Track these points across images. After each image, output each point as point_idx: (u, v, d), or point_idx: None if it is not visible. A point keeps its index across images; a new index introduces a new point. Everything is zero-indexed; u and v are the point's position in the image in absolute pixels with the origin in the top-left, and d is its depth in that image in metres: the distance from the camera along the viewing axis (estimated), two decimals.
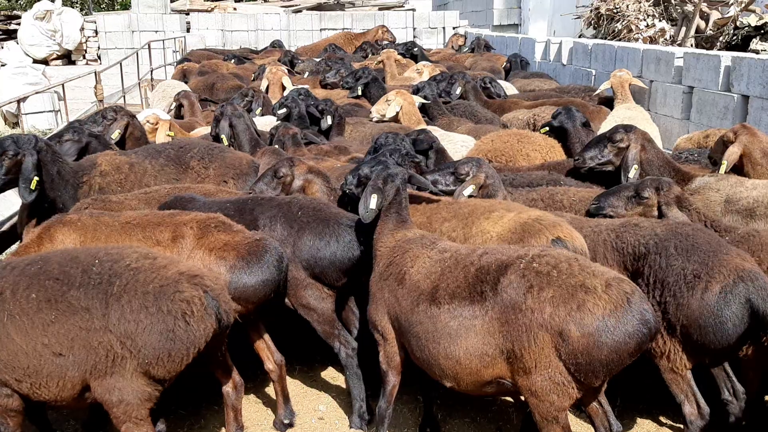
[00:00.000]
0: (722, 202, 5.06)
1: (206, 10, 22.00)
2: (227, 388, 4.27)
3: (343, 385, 5.37)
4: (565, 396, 3.48)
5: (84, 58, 21.17)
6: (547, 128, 6.98)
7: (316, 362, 5.68)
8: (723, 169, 5.37)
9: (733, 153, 5.42)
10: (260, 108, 9.42)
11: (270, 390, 5.24)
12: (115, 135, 7.14)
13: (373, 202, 4.28)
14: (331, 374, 5.59)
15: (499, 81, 10.84)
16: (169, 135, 8.22)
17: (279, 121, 7.99)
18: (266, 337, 4.73)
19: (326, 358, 5.62)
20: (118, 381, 3.58)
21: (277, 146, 7.05)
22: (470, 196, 4.91)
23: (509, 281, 3.53)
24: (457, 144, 7.04)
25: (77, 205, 5.49)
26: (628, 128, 5.97)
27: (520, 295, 3.47)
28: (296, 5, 22.93)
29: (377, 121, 8.46)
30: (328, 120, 8.17)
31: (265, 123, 8.53)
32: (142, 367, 3.57)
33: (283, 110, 8.18)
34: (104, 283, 3.60)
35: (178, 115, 9.89)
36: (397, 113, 8.36)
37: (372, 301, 4.22)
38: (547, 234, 4.17)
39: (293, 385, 5.34)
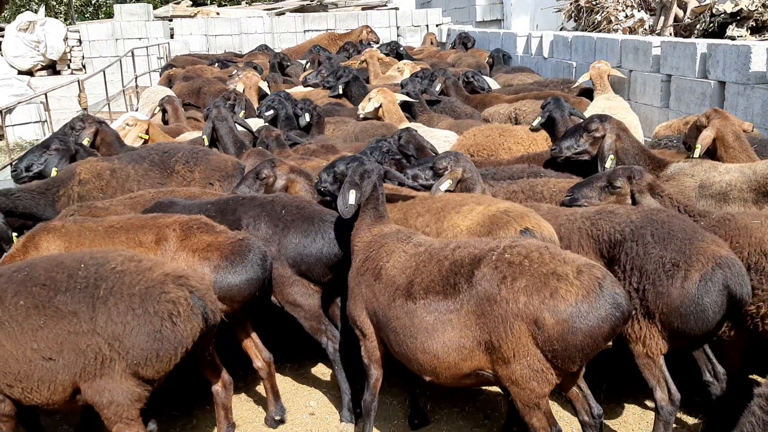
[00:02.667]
0: (696, 187, 5.14)
1: (189, 16, 21.99)
2: (217, 387, 4.33)
3: (333, 381, 5.39)
4: (544, 382, 3.54)
5: (69, 67, 21.12)
6: (540, 119, 7.00)
7: (307, 359, 5.74)
8: (697, 153, 5.46)
9: (706, 137, 5.51)
10: (243, 111, 9.49)
11: (261, 388, 5.26)
12: (85, 143, 7.17)
13: (352, 197, 4.32)
14: (322, 371, 5.65)
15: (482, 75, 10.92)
16: (141, 137, 8.23)
17: (265, 123, 8.04)
18: (254, 335, 4.79)
19: (317, 356, 5.65)
20: (108, 383, 3.65)
21: (261, 148, 7.12)
22: (448, 191, 4.98)
23: (483, 273, 3.58)
24: (440, 140, 7.12)
25: (62, 213, 5.54)
26: (603, 118, 6.04)
27: (494, 286, 3.52)
28: (279, 8, 22.96)
29: (363, 119, 8.54)
30: (306, 117, 8.25)
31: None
32: (131, 368, 3.64)
33: (270, 112, 8.26)
34: (90, 287, 3.67)
35: (164, 121, 9.93)
36: (378, 110, 8.44)
37: (350, 297, 4.27)
38: (515, 225, 4.24)
39: (285, 383, 5.41)
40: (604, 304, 3.39)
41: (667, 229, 4.08)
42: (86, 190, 6.26)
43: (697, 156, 5.47)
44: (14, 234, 5.53)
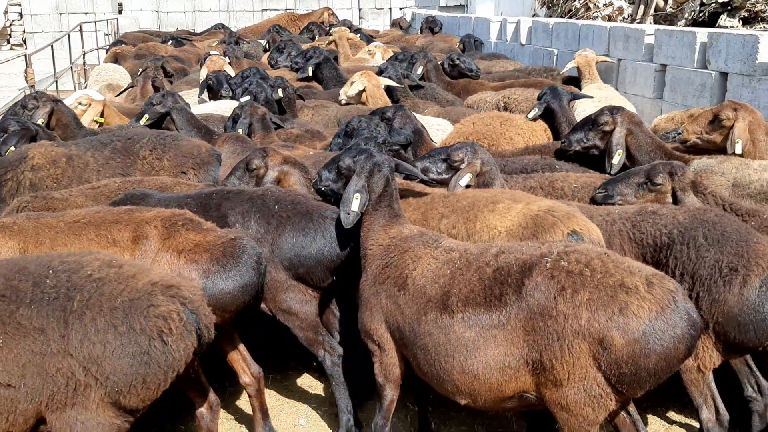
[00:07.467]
0: (729, 186, 4.78)
1: None
2: (202, 410, 3.84)
3: (323, 395, 4.98)
4: (601, 409, 3.14)
5: (8, 42, 19.90)
6: (537, 110, 6.57)
7: (290, 369, 5.23)
8: (738, 148, 5.08)
9: (744, 131, 5.14)
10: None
11: (242, 403, 4.81)
12: (39, 123, 6.43)
13: (356, 203, 3.81)
14: (309, 383, 5.16)
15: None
16: (96, 120, 7.50)
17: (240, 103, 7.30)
18: (241, 347, 4.26)
19: (301, 364, 5.19)
20: (81, 413, 3.08)
21: (241, 129, 6.43)
22: (467, 186, 4.47)
23: (536, 283, 3.14)
24: (432, 128, 6.60)
25: (12, 205, 4.85)
26: (614, 110, 5.66)
27: (550, 299, 3.09)
28: None
29: (345, 104, 7.95)
30: (279, 93, 7.60)
31: (219, 107, 7.91)
32: (110, 397, 3.08)
33: (247, 98, 7.52)
34: (61, 298, 3.09)
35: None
36: (361, 93, 7.89)
37: (365, 308, 3.76)
38: (562, 227, 3.78)
39: (268, 397, 4.84)
40: (680, 322, 3.00)
41: (720, 230, 3.77)
42: (39, 178, 5.54)
43: (739, 152, 5.08)
44: None
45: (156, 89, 9.23)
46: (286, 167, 4.90)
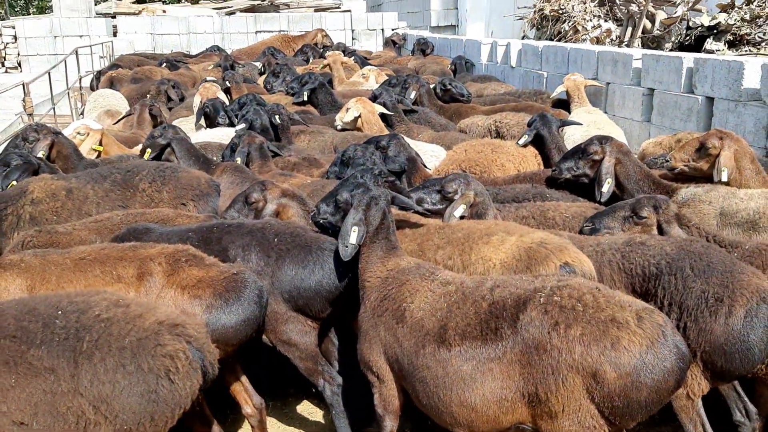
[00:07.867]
0: (716, 215, 4.90)
1: (134, 13, 21.10)
2: None
3: (323, 422, 5.02)
4: None
5: (3, 65, 19.97)
6: (527, 137, 6.72)
7: (290, 396, 5.28)
8: (725, 176, 5.22)
9: (730, 159, 5.27)
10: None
11: None
12: (40, 156, 6.53)
13: (354, 236, 3.90)
14: (309, 410, 5.20)
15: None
16: (95, 149, 7.62)
17: (237, 131, 7.42)
18: (244, 379, 4.34)
19: (301, 391, 5.22)
20: None
21: (239, 159, 6.55)
22: (461, 217, 4.59)
23: (530, 318, 3.25)
24: (426, 154, 6.72)
25: (17, 240, 4.92)
26: (603, 140, 5.78)
27: (544, 333, 3.19)
28: (228, 7, 22.25)
29: (341, 129, 8.09)
30: (277, 119, 7.73)
31: (216, 135, 8.02)
32: None
33: (242, 126, 7.64)
34: (71, 339, 3.17)
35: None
36: (356, 120, 8.03)
37: (364, 339, 3.85)
38: (555, 259, 3.89)
39: (268, 425, 4.87)
40: (669, 356, 3.10)
41: (706, 261, 3.87)
42: (39, 211, 5.60)
43: (725, 180, 5.22)
44: None
45: (153, 117, 9.35)
46: (284, 200, 5.01)
